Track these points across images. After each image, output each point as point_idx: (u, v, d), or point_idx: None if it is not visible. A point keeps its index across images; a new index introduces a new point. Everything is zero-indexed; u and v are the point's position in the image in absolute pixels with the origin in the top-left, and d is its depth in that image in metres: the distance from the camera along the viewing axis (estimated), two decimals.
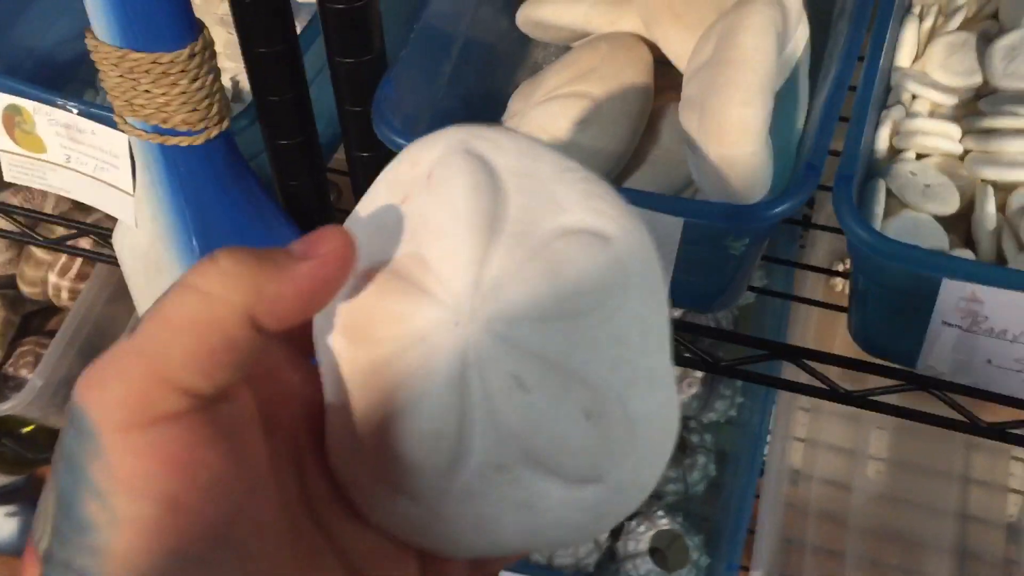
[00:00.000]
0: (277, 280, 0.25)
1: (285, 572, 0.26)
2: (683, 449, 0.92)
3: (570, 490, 0.27)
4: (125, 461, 0.23)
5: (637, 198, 0.49)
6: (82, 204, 1.04)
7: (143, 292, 0.69)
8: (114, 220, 0.70)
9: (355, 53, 0.55)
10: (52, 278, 1.00)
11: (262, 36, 0.55)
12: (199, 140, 0.56)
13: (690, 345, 0.61)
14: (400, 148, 0.54)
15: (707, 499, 0.91)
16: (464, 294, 0.27)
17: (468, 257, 0.27)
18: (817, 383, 0.59)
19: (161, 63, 0.52)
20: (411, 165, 0.29)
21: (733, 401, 0.91)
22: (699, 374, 0.91)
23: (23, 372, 0.99)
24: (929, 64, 0.62)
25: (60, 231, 0.86)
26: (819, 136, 0.50)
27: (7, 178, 0.67)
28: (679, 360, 0.66)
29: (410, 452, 0.27)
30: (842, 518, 0.90)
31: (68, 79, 0.77)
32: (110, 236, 0.73)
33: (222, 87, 0.56)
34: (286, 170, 0.62)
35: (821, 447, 0.94)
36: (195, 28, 0.53)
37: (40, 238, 0.74)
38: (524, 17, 0.68)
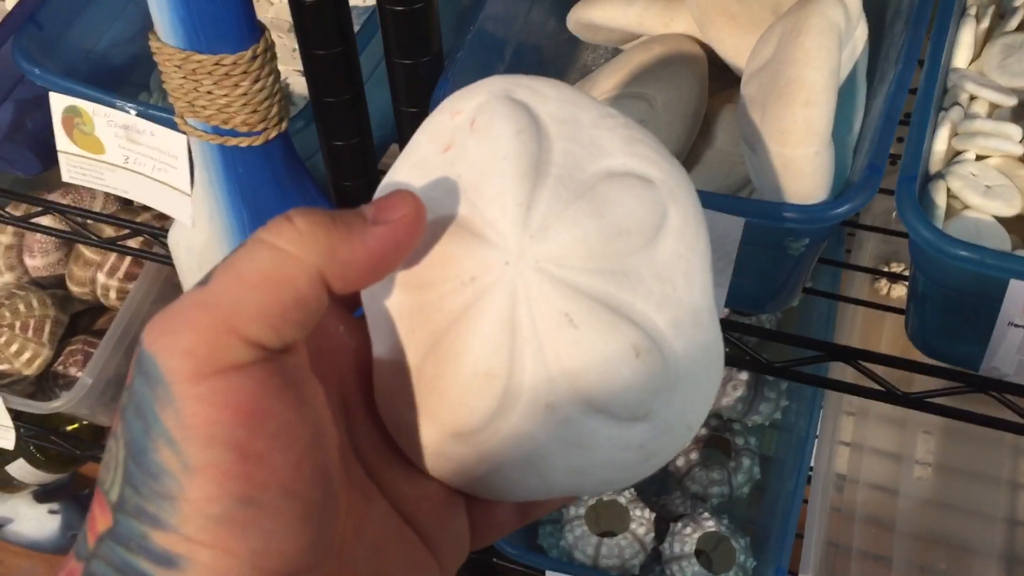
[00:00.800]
0: (349, 243, 0.25)
1: (341, 519, 0.26)
2: (728, 452, 0.91)
3: (619, 428, 0.28)
4: (196, 409, 0.24)
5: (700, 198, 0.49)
6: (129, 205, 1.05)
7: None
8: (164, 220, 0.71)
9: (413, 54, 0.55)
10: (101, 278, 1.02)
11: (321, 38, 0.56)
12: (258, 141, 0.57)
13: (741, 344, 0.61)
14: None
15: (752, 502, 0.90)
16: (512, 235, 0.27)
17: (515, 199, 0.27)
18: (872, 384, 0.59)
19: (224, 65, 0.53)
20: (451, 114, 0.30)
21: (778, 404, 0.90)
22: (744, 376, 0.90)
23: (72, 371, 1.00)
24: (986, 65, 0.61)
25: (109, 232, 0.88)
26: (881, 137, 0.50)
27: (66, 179, 0.68)
28: (729, 360, 0.65)
29: (461, 393, 0.28)
30: (889, 523, 0.89)
31: (122, 82, 0.78)
32: (161, 236, 0.74)
33: (282, 88, 0.57)
34: (341, 171, 0.63)
35: (867, 451, 0.93)
36: (257, 30, 0.54)
37: (94, 237, 0.75)
38: (575, 19, 0.68)
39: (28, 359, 0.98)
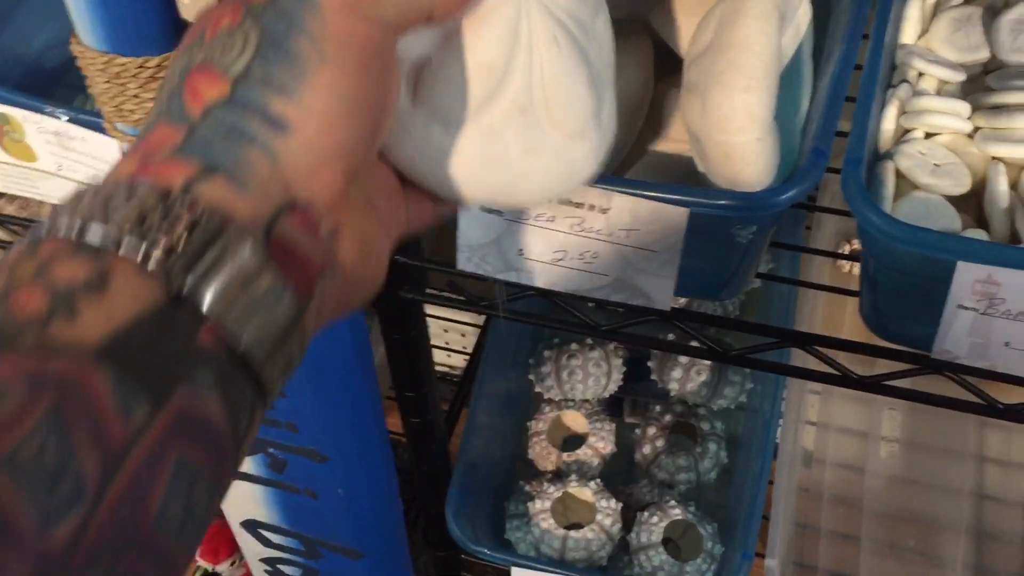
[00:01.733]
0: None
1: (348, 192, 0.32)
2: (694, 438, 0.91)
3: (564, 143, 0.37)
4: (339, 21, 0.30)
5: (640, 187, 0.48)
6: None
7: None
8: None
9: None
10: None
11: None
12: None
13: (697, 334, 0.60)
14: None
15: (720, 486, 0.90)
16: None
17: None
18: (829, 369, 0.58)
19: (149, 67, 0.51)
20: None
21: (743, 387, 0.90)
22: (707, 361, 0.90)
23: None
24: (934, 40, 0.60)
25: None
26: (825, 120, 0.49)
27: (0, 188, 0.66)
28: (687, 350, 0.65)
29: (462, 79, 0.35)
30: (857, 501, 0.89)
31: (57, 84, 0.76)
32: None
33: None
34: None
35: (833, 430, 0.93)
36: (182, 30, 0.52)
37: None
38: None
39: None
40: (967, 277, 0.45)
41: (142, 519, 0.24)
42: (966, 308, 0.46)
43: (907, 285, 0.51)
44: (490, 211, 0.51)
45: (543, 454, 0.92)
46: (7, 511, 0.22)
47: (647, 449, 0.90)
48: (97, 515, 0.23)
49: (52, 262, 0.26)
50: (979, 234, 0.51)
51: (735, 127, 0.46)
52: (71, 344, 0.24)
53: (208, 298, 0.27)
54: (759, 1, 0.48)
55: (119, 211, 0.27)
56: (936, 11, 0.62)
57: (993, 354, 0.47)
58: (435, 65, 0.36)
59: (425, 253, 0.67)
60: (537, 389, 0.94)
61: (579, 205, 0.49)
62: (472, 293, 0.64)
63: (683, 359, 0.89)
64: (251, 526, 0.90)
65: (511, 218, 0.51)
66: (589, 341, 0.92)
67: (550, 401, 0.94)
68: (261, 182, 0.29)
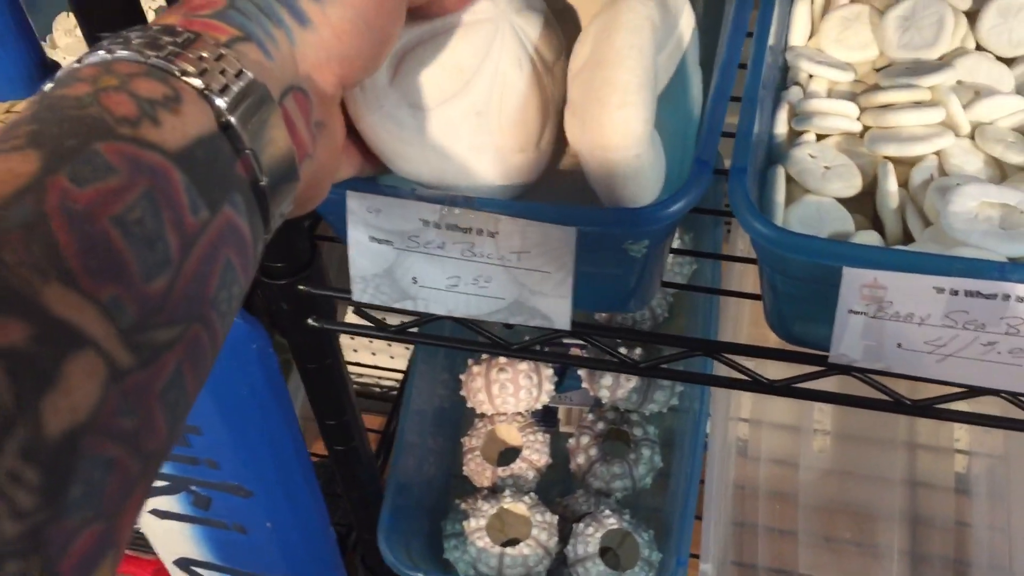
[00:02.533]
0: None
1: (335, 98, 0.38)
2: (628, 443, 0.90)
3: (507, 151, 0.47)
4: None
5: (526, 211, 0.47)
6: None
7: None
8: None
9: None
10: None
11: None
12: None
13: (607, 348, 0.60)
14: None
15: (656, 491, 0.90)
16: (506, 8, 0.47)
17: None
18: (740, 375, 0.58)
19: (15, 112, 0.49)
20: None
21: (673, 390, 0.90)
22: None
23: None
24: (824, 40, 0.60)
25: None
26: (708, 130, 0.48)
27: None
28: (599, 364, 0.64)
29: (436, 73, 0.45)
30: (792, 496, 0.89)
31: None
32: None
33: None
34: None
35: (765, 426, 0.93)
36: (49, 69, 0.50)
37: None
38: None
39: None
40: (854, 282, 0.45)
41: (204, 297, 0.29)
42: (856, 312, 0.45)
43: (802, 290, 0.51)
44: (380, 241, 0.50)
45: (478, 470, 0.91)
46: (121, 257, 0.26)
47: (581, 459, 0.90)
48: (177, 282, 0.28)
49: (132, 79, 0.30)
50: (871, 235, 0.51)
51: (613, 144, 0.45)
52: (157, 144, 0.29)
53: (246, 136, 0.32)
54: (632, 15, 0.47)
55: (175, 47, 0.31)
56: (825, 11, 0.62)
57: (887, 355, 0.47)
58: (417, 55, 0.45)
59: (332, 282, 0.66)
60: (469, 404, 0.93)
61: (467, 230, 0.49)
62: (377, 319, 0.63)
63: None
64: (184, 564, 0.88)
65: (401, 247, 0.50)
66: None
67: (483, 416, 0.93)
68: (281, 59, 0.34)
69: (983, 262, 0.44)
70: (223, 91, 0.31)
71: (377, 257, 0.51)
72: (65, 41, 0.79)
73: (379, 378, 1.32)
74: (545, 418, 0.96)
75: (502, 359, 0.91)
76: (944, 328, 0.45)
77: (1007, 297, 0.43)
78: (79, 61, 0.31)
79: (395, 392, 1.27)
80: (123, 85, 0.29)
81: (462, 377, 0.93)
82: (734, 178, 0.47)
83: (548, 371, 0.92)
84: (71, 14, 0.83)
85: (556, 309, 0.51)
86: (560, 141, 0.53)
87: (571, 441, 0.92)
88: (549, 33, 0.50)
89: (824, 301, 0.50)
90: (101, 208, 0.26)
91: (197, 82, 0.31)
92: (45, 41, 0.80)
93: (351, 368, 1.08)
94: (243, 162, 0.32)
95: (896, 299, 0.44)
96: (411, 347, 1.24)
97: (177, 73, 0.31)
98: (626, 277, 0.54)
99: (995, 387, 0.47)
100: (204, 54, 0.31)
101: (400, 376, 1.27)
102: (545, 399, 0.93)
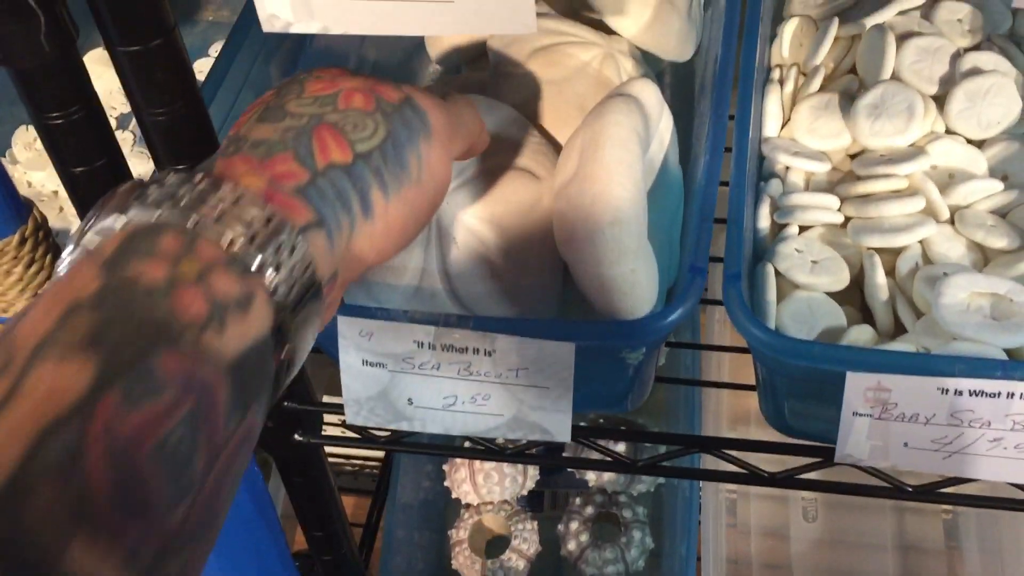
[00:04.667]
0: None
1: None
2: (618, 525, 0.89)
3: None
4: (437, 155, 0.39)
5: (522, 328, 0.47)
6: None
7: None
8: None
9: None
10: None
11: None
12: None
13: (605, 448, 0.59)
14: None
15: (650, 572, 0.88)
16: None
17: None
18: (739, 469, 0.57)
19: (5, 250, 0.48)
20: None
21: None
22: (621, 447, 0.89)
23: None
24: (797, 130, 0.61)
25: None
26: (698, 237, 0.48)
27: None
28: (596, 465, 0.63)
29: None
30: (786, 568, 0.89)
31: None
32: None
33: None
34: None
35: (753, 497, 0.92)
36: (24, 208, 0.49)
37: None
38: None
39: None
40: (858, 386, 0.44)
41: (217, 511, 0.29)
42: (861, 415, 0.45)
43: (802, 390, 0.51)
44: (373, 364, 0.49)
45: (467, 564, 0.89)
46: (151, 491, 0.26)
47: (572, 545, 0.88)
48: (195, 507, 0.27)
49: (211, 271, 0.29)
50: (864, 330, 0.51)
51: (608, 260, 0.45)
52: (216, 355, 0.28)
53: (292, 333, 0.32)
54: (618, 128, 0.47)
55: (260, 236, 0.31)
56: (795, 100, 0.62)
57: (893, 454, 0.47)
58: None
59: (318, 394, 0.65)
60: (455, 495, 0.91)
61: (463, 350, 0.48)
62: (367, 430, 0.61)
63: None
64: None
65: (395, 369, 0.49)
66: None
67: (468, 506, 0.92)
68: (339, 249, 0.35)
69: (985, 361, 0.44)
70: (289, 290, 0.31)
71: (371, 380, 0.50)
72: (25, 156, 0.78)
73: (354, 459, 1.29)
74: (531, 503, 0.95)
75: None
76: (950, 427, 0.45)
77: (1011, 395, 0.43)
78: (160, 198, 0.30)
79: (371, 471, 1.25)
80: (202, 278, 0.29)
81: (445, 468, 0.91)
82: (729, 285, 0.47)
83: None
84: (30, 127, 0.81)
85: (556, 423, 0.50)
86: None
87: (560, 527, 0.91)
88: (506, 188, 0.52)
89: (824, 398, 0.49)
90: (143, 436, 0.26)
91: (271, 278, 0.30)
92: (4, 156, 0.79)
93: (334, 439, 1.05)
94: (279, 355, 0.31)
95: (900, 400, 0.44)
96: None
97: (255, 268, 0.30)
98: (623, 381, 0.53)
99: (1003, 480, 0.47)
100: (282, 244, 0.31)
101: (377, 457, 1.25)
102: (531, 484, 0.92)
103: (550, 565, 0.91)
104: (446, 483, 0.91)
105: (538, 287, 0.53)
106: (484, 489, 0.89)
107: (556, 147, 0.57)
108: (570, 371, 0.48)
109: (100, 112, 0.49)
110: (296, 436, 0.63)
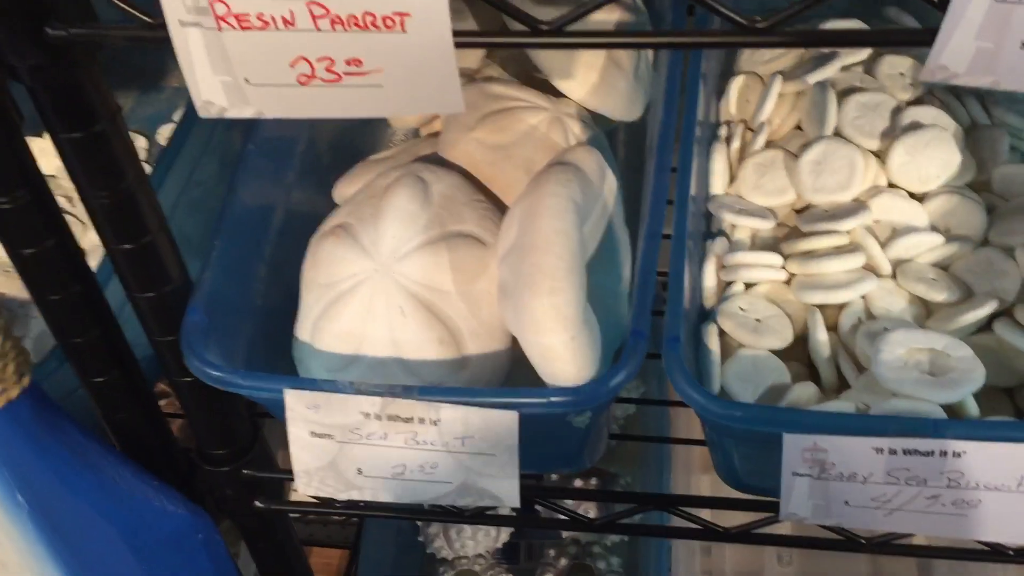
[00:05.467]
0: None
1: None
2: None
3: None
4: None
5: (467, 396, 0.47)
6: None
7: None
8: None
9: (154, 286, 0.52)
10: None
11: (53, 284, 0.52)
12: None
13: (559, 506, 0.59)
14: (213, 379, 0.51)
15: None
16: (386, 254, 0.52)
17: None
18: (695, 525, 0.58)
19: None
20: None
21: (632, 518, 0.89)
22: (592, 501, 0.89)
23: None
24: (743, 187, 0.62)
25: None
26: (640, 300, 0.49)
27: None
28: (553, 523, 0.63)
29: (333, 343, 0.53)
30: None
31: None
32: None
33: (16, 342, 0.52)
34: (108, 404, 0.59)
35: (727, 547, 0.92)
36: None
37: None
38: (340, 194, 0.66)
39: None
40: (795, 446, 0.45)
41: None
42: (800, 475, 0.46)
43: (749, 448, 0.51)
44: (321, 436, 0.50)
45: None
46: None
47: None
48: None
49: None
50: (807, 387, 0.52)
51: (547, 328, 0.46)
52: None
53: None
54: (554, 199, 0.48)
55: None
56: (741, 158, 0.64)
57: (836, 513, 0.47)
58: (320, 325, 0.54)
59: (277, 459, 0.65)
60: (428, 550, 0.91)
61: (409, 420, 0.48)
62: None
63: (568, 502, 0.88)
64: None
65: (343, 440, 0.49)
66: None
67: (443, 560, 0.92)
68: None
69: (917, 421, 0.44)
70: None
71: (319, 451, 0.50)
72: None
73: (334, 512, 1.28)
74: (507, 555, 0.95)
75: None
76: (887, 485, 0.45)
77: (943, 453, 0.43)
78: None
79: (341, 523, 1.24)
80: None
81: (419, 524, 0.91)
82: (669, 348, 0.48)
83: (506, 509, 0.91)
84: None
85: (504, 488, 0.50)
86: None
87: None
88: (453, 255, 0.53)
89: (771, 456, 0.50)
90: None
91: None
92: None
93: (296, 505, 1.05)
94: None
95: (838, 460, 0.45)
96: None
97: None
98: (571, 443, 0.54)
99: (944, 535, 0.47)
100: None
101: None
102: (505, 537, 0.92)
103: None
104: (420, 538, 0.91)
105: (487, 353, 0.53)
106: (457, 543, 0.89)
107: (504, 211, 0.58)
108: (515, 438, 0.48)
109: (47, 194, 0.50)
110: (257, 503, 0.63)
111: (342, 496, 0.52)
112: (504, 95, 0.63)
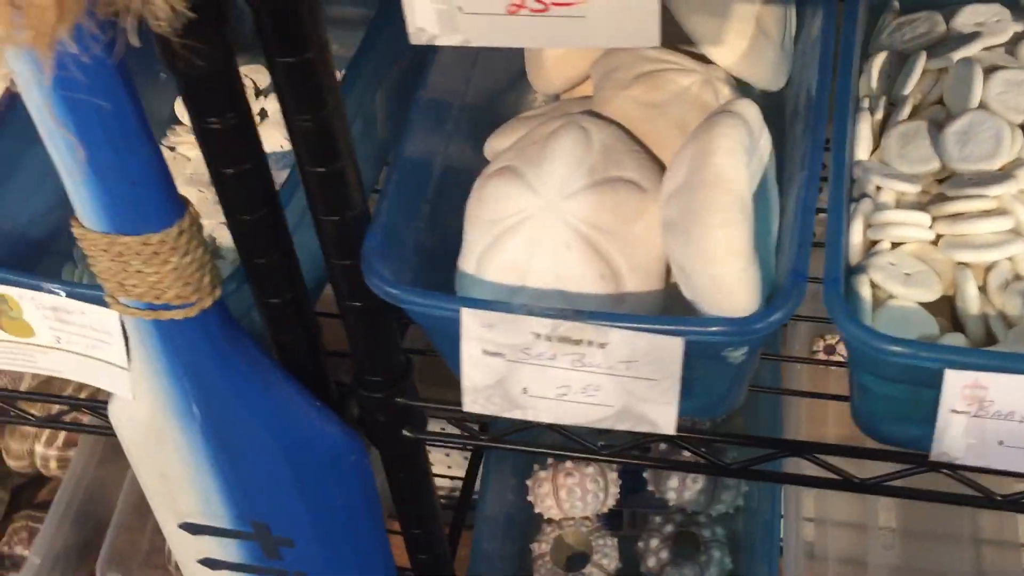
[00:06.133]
0: None
1: None
2: (696, 545, 0.91)
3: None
4: None
5: (636, 322, 0.50)
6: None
7: (144, 462, 0.68)
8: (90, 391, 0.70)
9: (339, 211, 0.56)
10: (39, 449, 0.99)
11: (245, 204, 0.56)
12: (193, 312, 0.56)
13: (696, 450, 0.62)
14: (392, 297, 0.55)
15: None
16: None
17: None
18: (829, 474, 0.60)
19: (151, 244, 0.53)
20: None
21: (739, 490, 0.91)
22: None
23: (18, 549, 0.96)
24: (887, 155, 0.64)
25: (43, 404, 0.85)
26: (800, 242, 0.51)
27: None
28: (686, 466, 0.66)
29: (497, 275, 0.58)
30: None
31: (44, 253, 0.77)
32: (100, 408, 0.72)
33: (212, 257, 0.57)
34: (278, 326, 0.63)
35: (830, 525, 0.93)
36: (180, 205, 0.54)
37: (31, 417, 0.73)
38: (491, 148, 0.70)
39: None
40: (956, 384, 0.47)
41: None
42: (958, 412, 0.48)
43: (896, 391, 0.53)
44: (492, 354, 0.53)
45: None
46: None
47: (652, 561, 0.91)
48: None
49: None
50: (957, 338, 0.53)
51: (719, 259, 0.48)
52: None
53: None
54: (726, 140, 0.51)
55: None
56: (884, 128, 0.66)
57: (989, 453, 0.49)
58: (489, 256, 0.57)
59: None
60: (537, 510, 0.94)
61: (578, 342, 0.51)
62: (470, 428, 0.65)
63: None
64: None
65: (513, 359, 0.53)
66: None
67: (551, 521, 0.94)
68: None
69: None
70: None
71: (489, 369, 0.53)
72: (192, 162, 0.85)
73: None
74: (610, 521, 0.97)
75: (568, 464, 0.93)
76: None
77: None
78: None
79: (448, 500, 1.28)
80: None
81: (529, 483, 0.94)
82: (829, 288, 0.50)
83: (613, 474, 0.94)
84: None
85: (662, 415, 0.53)
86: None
87: (640, 544, 0.93)
88: (615, 197, 0.57)
89: (917, 401, 0.52)
90: None
91: None
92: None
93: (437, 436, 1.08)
94: None
95: (997, 398, 0.47)
96: (467, 456, 1.25)
97: None
98: (721, 383, 0.56)
99: None
100: None
101: (456, 484, 1.28)
102: (611, 502, 0.94)
103: None
104: (529, 498, 0.94)
105: (643, 292, 0.56)
106: (567, 504, 0.92)
107: (657, 164, 0.61)
108: (678, 365, 0.51)
109: (250, 120, 0.54)
110: (405, 432, 0.66)
111: (505, 414, 0.55)
112: (656, 58, 0.66)
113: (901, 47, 0.72)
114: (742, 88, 0.68)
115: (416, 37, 0.48)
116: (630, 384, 0.52)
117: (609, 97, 0.65)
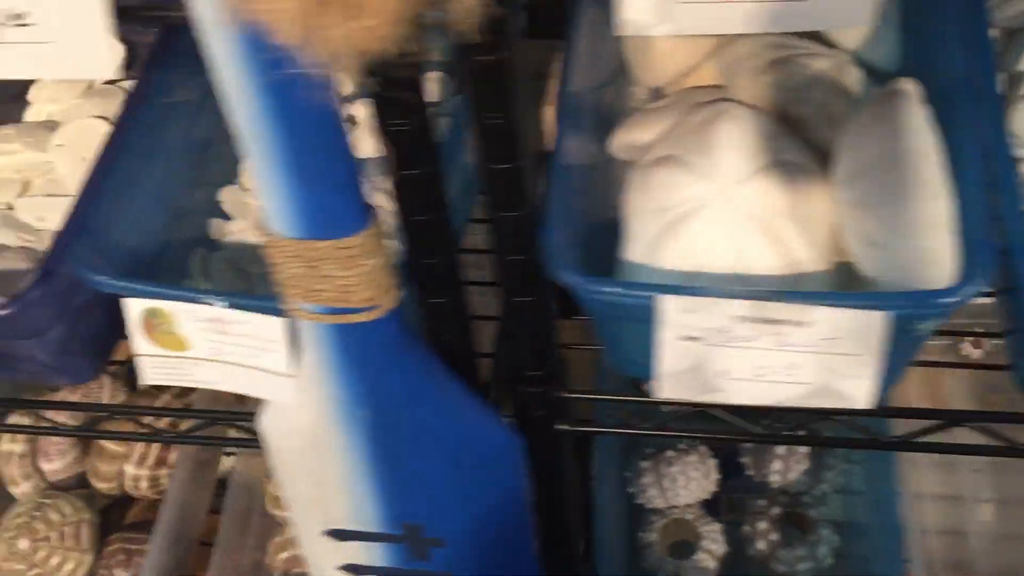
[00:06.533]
0: None
1: None
2: (802, 526, 0.93)
3: None
4: None
5: (837, 300, 0.51)
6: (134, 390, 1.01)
7: (298, 471, 0.68)
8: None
9: (518, 207, 0.56)
10: (130, 469, 0.98)
11: (422, 207, 0.56)
12: (378, 314, 0.56)
13: (853, 425, 0.63)
14: (585, 288, 0.55)
15: (837, 570, 0.91)
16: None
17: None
18: (996, 443, 0.61)
19: (345, 247, 0.53)
20: None
21: (840, 470, 0.92)
22: (803, 449, 0.92)
23: (117, 572, 0.95)
24: (1019, 128, 0.66)
25: (129, 424, 0.83)
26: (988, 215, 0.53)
27: (148, 381, 0.66)
28: (839, 442, 0.67)
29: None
30: (969, 566, 0.91)
31: (158, 270, 0.76)
32: (242, 421, 0.72)
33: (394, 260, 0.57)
34: (439, 326, 0.63)
35: (928, 499, 0.95)
36: (371, 208, 0.54)
37: (171, 434, 0.72)
38: (621, 143, 0.70)
39: (71, 570, 0.93)
40: None
41: None
42: None
43: None
44: (690, 339, 0.54)
45: (659, 565, 0.92)
46: None
47: (761, 544, 0.92)
48: None
49: None
50: None
51: (928, 231, 0.49)
52: None
53: None
54: (915, 116, 0.52)
55: None
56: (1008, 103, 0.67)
57: None
58: (668, 245, 0.58)
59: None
60: (639, 500, 0.95)
61: (779, 322, 0.52)
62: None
63: (780, 451, 0.92)
64: None
65: (712, 343, 0.53)
66: (683, 445, 0.94)
67: (654, 510, 0.95)
68: None
69: None
70: None
71: (685, 354, 0.54)
72: None
73: None
74: (709, 508, 0.98)
75: (670, 452, 0.94)
76: None
77: None
78: None
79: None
80: None
81: (628, 474, 0.95)
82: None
83: (712, 460, 0.95)
84: None
85: (860, 387, 0.54)
86: None
87: (746, 528, 0.94)
88: (785, 180, 0.57)
89: None
90: None
91: None
92: None
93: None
94: None
95: None
96: None
97: None
98: (904, 356, 0.58)
99: None
100: None
101: None
102: (713, 488, 0.95)
103: (736, 565, 0.94)
104: (630, 489, 0.95)
105: (819, 273, 0.57)
106: (671, 492, 0.93)
107: (808, 145, 0.62)
108: (880, 338, 0.52)
109: (429, 124, 0.54)
110: (559, 426, 0.67)
111: (700, 398, 0.56)
112: (784, 44, 0.67)
113: (1004, 24, 0.74)
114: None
115: (623, 28, 0.49)
116: (831, 360, 0.53)
117: (746, 85, 0.66)
